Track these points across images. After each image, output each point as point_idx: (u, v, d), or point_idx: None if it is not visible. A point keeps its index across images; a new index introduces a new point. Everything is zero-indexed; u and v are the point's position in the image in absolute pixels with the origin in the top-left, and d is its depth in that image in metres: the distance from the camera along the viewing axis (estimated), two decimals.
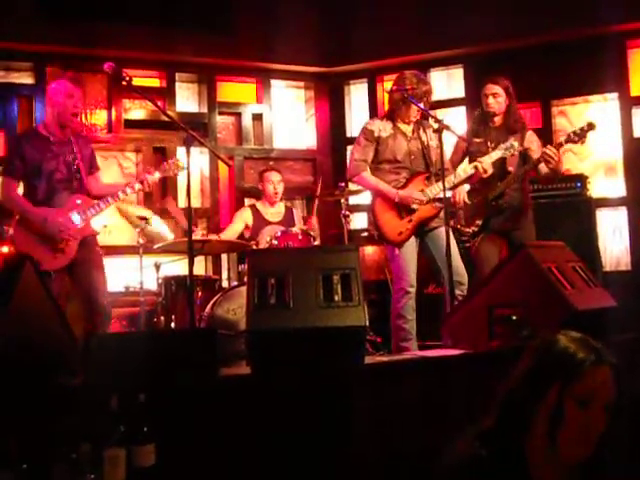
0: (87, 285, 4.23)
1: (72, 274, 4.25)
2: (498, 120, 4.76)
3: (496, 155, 4.52)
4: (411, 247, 4.50)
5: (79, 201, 4.29)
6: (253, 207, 5.80)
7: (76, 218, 4.23)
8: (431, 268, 4.62)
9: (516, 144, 4.51)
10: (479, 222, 4.71)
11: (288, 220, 5.65)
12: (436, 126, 4.25)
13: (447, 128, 4.30)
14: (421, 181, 4.53)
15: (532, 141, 4.78)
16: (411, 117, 4.56)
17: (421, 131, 4.61)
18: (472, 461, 1.68)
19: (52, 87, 4.38)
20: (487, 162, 4.48)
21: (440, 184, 4.41)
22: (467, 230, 4.76)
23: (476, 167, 4.47)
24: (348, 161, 4.70)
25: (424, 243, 4.57)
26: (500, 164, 4.64)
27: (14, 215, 4.29)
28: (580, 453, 1.66)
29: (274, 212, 5.74)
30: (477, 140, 4.74)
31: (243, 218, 5.72)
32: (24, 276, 2.63)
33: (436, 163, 4.58)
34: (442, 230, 4.48)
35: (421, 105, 4.43)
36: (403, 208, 4.48)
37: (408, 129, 4.60)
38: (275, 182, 5.69)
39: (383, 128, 4.58)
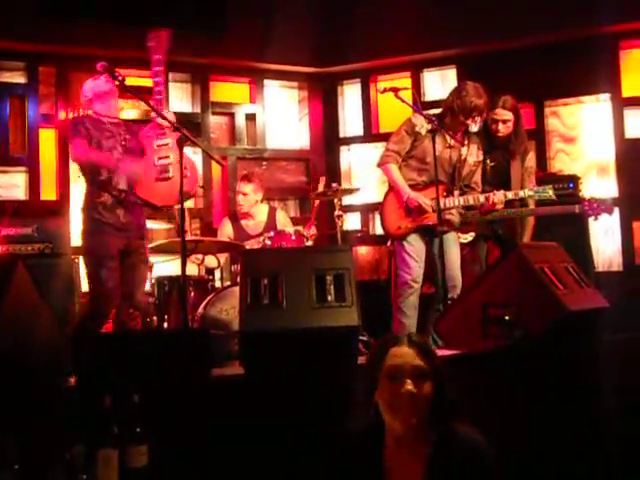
0: (129, 279, 4.26)
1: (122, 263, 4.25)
2: (504, 139, 4.79)
3: (524, 194, 4.54)
4: (418, 245, 4.55)
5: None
6: (234, 220, 5.68)
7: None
8: (430, 269, 4.64)
9: (551, 192, 4.52)
10: (473, 234, 4.77)
11: (270, 228, 5.48)
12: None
13: (441, 129, 4.33)
14: (439, 190, 4.50)
15: (527, 167, 4.84)
16: (456, 128, 4.53)
17: (464, 144, 4.61)
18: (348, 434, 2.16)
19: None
20: (500, 197, 4.47)
21: (457, 199, 4.50)
22: (460, 238, 4.79)
23: (487, 198, 4.48)
24: (384, 148, 4.74)
25: (430, 246, 4.60)
26: (501, 180, 4.69)
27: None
28: (402, 420, 1.98)
29: (255, 223, 5.64)
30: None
31: (225, 233, 5.63)
32: (16, 277, 2.62)
33: (465, 179, 4.64)
34: (449, 235, 4.52)
35: (418, 107, 4.47)
36: (412, 208, 4.50)
37: (448, 137, 4.58)
38: (239, 193, 5.59)
39: (426, 126, 4.56)
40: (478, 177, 4.71)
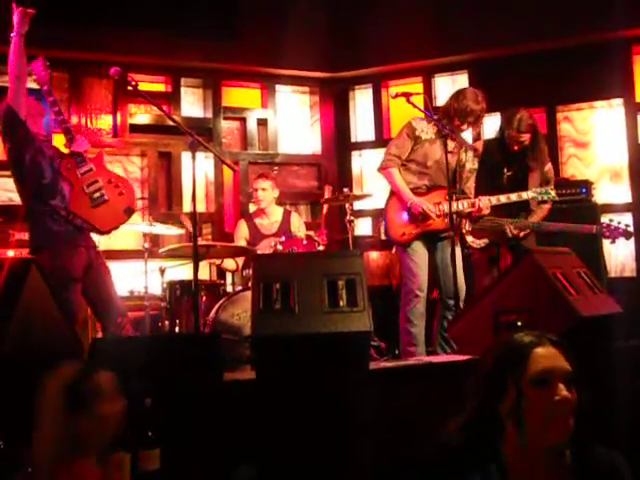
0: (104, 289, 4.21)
1: None
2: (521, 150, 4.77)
3: (527, 196, 4.54)
4: (422, 252, 4.53)
5: None
6: (249, 220, 5.76)
7: None
8: (434, 275, 4.63)
9: (553, 193, 4.51)
10: (486, 240, 4.74)
11: (284, 229, 5.58)
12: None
13: (452, 134, 4.32)
14: (442, 195, 4.52)
15: (549, 177, 4.82)
16: (454, 131, 4.54)
17: (462, 151, 4.61)
18: (447, 453, 1.82)
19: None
20: (485, 202, 4.46)
21: (460, 203, 4.48)
22: (474, 243, 4.76)
23: (473, 204, 4.47)
24: (384, 152, 4.75)
25: (433, 251, 4.59)
26: (518, 190, 4.65)
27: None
28: (558, 431, 1.72)
29: (269, 223, 5.69)
30: (491, 160, 4.75)
31: (242, 234, 5.68)
32: (30, 280, 2.64)
33: (463, 182, 4.63)
34: (452, 243, 4.50)
35: (430, 112, 4.47)
36: (416, 214, 4.48)
37: (450, 143, 4.57)
38: (259, 189, 5.65)
39: (426, 130, 4.60)
40: (472, 183, 4.69)
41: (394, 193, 4.64)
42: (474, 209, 4.46)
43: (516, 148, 4.71)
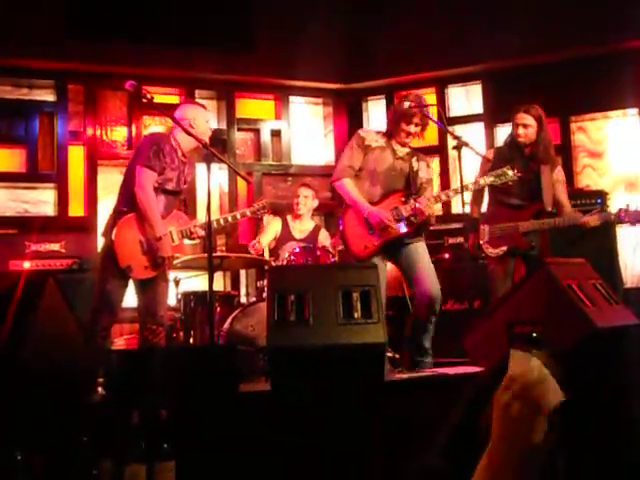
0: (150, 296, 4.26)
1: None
2: (528, 149, 4.72)
3: (484, 182, 4.44)
4: (381, 266, 4.19)
5: (182, 220, 4.30)
6: (284, 219, 5.84)
7: (175, 237, 4.22)
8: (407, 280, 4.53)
9: (510, 173, 4.40)
10: (504, 248, 4.68)
11: (312, 239, 5.64)
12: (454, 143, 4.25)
13: (466, 145, 4.30)
14: (397, 199, 4.40)
15: (558, 180, 4.75)
16: (402, 138, 4.45)
17: (414, 159, 4.48)
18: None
19: (193, 107, 4.39)
20: (424, 202, 4.27)
21: (403, 208, 4.32)
22: (492, 252, 4.71)
23: (412, 209, 4.27)
24: (336, 165, 4.67)
25: (396, 257, 4.43)
26: (531, 192, 4.63)
27: (129, 212, 4.11)
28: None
29: (301, 229, 5.75)
30: (502, 164, 4.69)
31: (274, 228, 5.77)
32: (47, 293, 2.66)
33: (420, 190, 4.43)
34: (417, 245, 4.38)
35: (439, 121, 4.42)
36: (374, 225, 4.33)
37: (401, 150, 4.49)
38: (300, 196, 5.78)
39: (375, 139, 4.51)
40: (429, 194, 4.46)
41: (349, 206, 4.47)
42: (415, 212, 4.29)
43: (520, 133, 4.64)
